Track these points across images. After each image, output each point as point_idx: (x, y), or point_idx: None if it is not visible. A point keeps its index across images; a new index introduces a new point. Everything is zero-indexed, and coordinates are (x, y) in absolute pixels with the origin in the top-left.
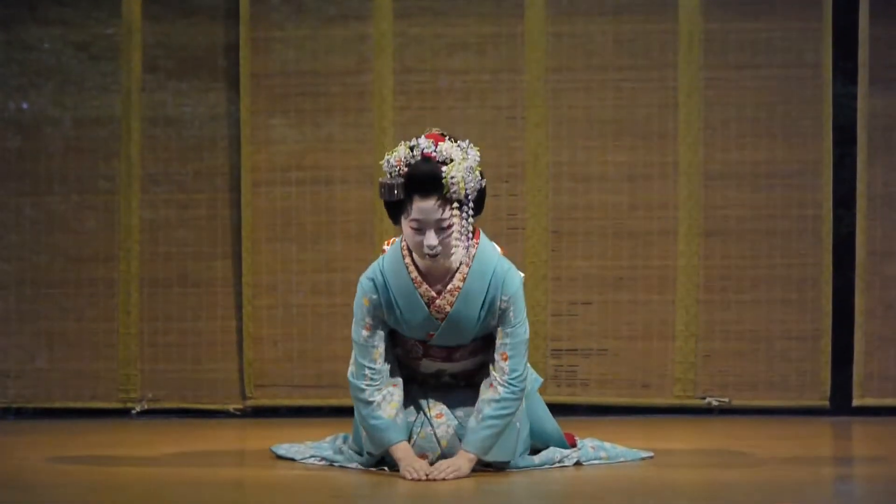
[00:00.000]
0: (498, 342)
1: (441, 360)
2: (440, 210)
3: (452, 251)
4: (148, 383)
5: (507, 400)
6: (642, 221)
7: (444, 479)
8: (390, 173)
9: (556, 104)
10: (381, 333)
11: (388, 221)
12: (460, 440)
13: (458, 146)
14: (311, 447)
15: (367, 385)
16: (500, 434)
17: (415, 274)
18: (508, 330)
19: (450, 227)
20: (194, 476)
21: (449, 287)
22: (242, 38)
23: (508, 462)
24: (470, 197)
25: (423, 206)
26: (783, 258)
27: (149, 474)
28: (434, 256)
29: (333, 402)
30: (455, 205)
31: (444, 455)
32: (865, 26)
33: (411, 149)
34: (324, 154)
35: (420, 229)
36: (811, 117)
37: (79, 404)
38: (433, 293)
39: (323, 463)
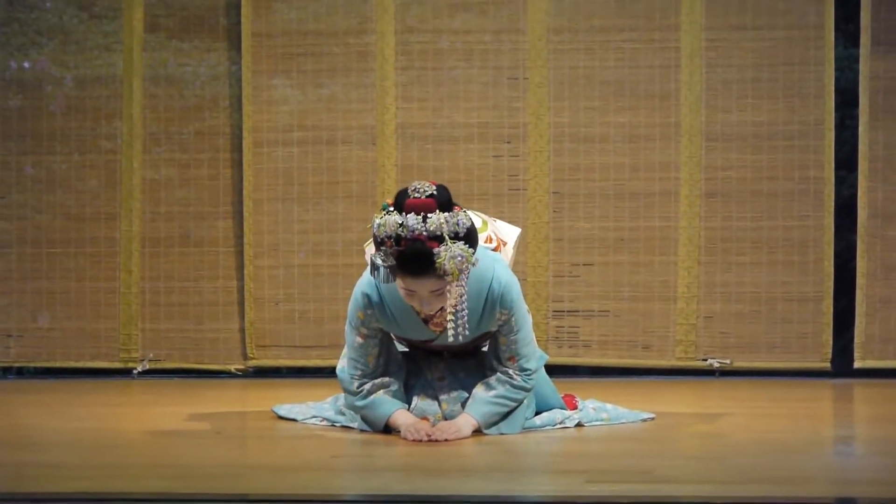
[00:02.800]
0: (503, 347)
1: (442, 348)
2: (432, 284)
3: (446, 308)
4: (149, 343)
5: (521, 388)
6: (644, 183)
7: (445, 441)
8: (381, 255)
9: (558, 65)
10: (375, 341)
11: (389, 182)
12: (462, 403)
13: (446, 220)
14: (313, 407)
15: (357, 379)
16: (507, 414)
17: None
18: (513, 337)
19: (442, 294)
20: (196, 436)
21: (446, 307)
22: None
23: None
24: (464, 276)
25: (415, 282)
26: (784, 220)
27: (151, 434)
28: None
29: (334, 362)
30: (448, 278)
31: (446, 417)
32: None
33: (400, 226)
34: (325, 114)
35: (411, 296)
36: (813, 79)
37: (80, 364)
38: (430, 312)
39: (324, 423)
